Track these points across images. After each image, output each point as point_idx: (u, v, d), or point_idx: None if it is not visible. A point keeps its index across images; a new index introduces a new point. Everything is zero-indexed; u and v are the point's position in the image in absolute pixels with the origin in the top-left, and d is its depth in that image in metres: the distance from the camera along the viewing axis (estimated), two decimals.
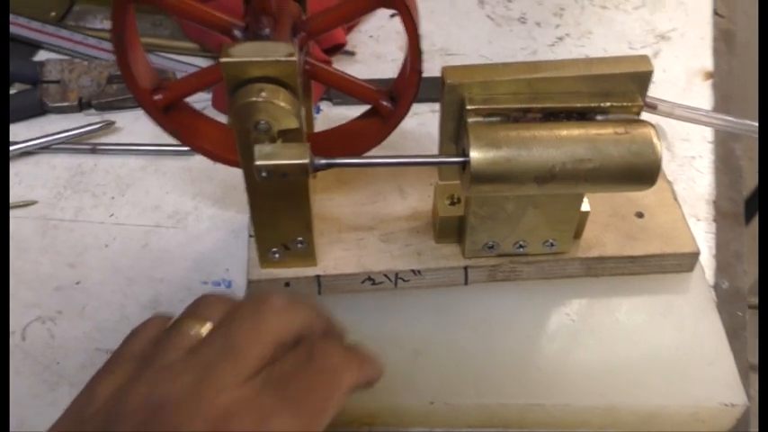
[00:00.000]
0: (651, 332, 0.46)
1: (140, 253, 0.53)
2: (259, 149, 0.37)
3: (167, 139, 0.47)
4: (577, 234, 0.48)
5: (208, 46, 0.66)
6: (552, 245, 0.47)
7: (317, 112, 0.62)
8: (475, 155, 0.38)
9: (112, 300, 0.51)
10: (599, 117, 0.40)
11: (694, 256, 0.48)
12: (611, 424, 0.44)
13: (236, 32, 0.41)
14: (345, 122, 0.48)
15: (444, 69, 0.41)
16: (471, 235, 0.46)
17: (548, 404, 0.43)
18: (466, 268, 0.48)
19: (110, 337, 0.49)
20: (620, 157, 0.38)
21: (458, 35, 0.70)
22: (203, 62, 0.66)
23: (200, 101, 0.60)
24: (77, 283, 0.52)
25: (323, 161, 0.38)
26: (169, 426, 0.30)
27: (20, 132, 0.60)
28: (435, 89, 0.41)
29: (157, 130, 0.46)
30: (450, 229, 0.48)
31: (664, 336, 0.46)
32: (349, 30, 0.69)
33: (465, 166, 0.39)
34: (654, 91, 0.57)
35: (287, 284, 0.47)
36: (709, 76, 0.67)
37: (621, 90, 0.41)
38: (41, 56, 0.66)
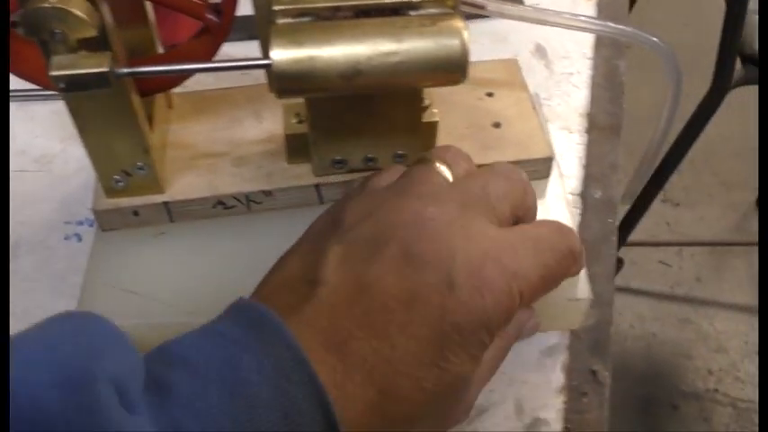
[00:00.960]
0: None
1: None
2: (56, 60, 0.36)
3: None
4: (429, 146, 0.47)
5: None
6: (403, 157, 0.46)
7: None
8: (276, 55, 0.37)
9: None
10: (412, 13, 0.39)
11: (548, 160, 0.48)
12: None
13: None
14: (179, 44, 0.46)
15: None
16: (317, 151, 0.45)
17: None
18: (317, 186, 0.47)
19: None
20: (425, 49, 0.37)
21: None
22: None
23: None
24: None
25: (125, 70, 0.37)
26: (438, 242, 0.33)
27: None
28: None
29: None
30: (300, 148, 0.47)
31: None
32: None
33: (270, 69, 0.38)
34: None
35: (135, 213, 0.46)
36: None
37: None
38: None
